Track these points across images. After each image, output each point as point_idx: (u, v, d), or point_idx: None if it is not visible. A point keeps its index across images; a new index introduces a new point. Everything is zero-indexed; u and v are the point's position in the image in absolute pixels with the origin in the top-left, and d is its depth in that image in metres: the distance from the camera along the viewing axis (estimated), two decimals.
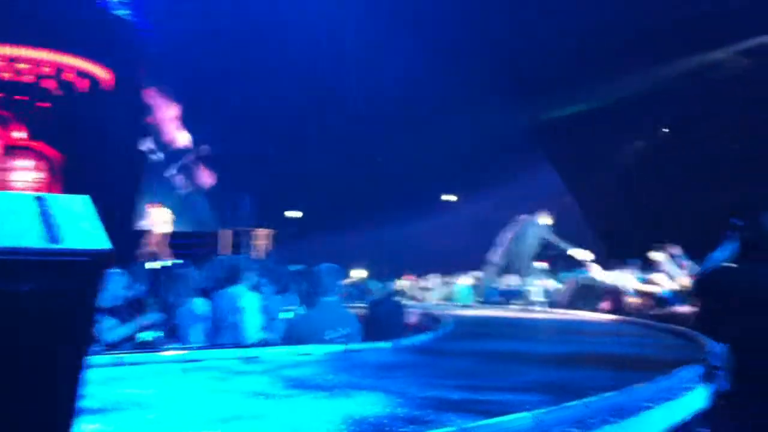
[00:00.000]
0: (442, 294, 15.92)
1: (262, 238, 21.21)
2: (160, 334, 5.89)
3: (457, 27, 25.40)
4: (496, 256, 11.73)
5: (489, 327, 7.73)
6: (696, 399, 3.19)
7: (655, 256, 13.22)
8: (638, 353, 5.03)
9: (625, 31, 23.33)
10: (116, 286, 5.89)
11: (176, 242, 21.65)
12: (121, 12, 28.12)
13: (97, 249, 1.29)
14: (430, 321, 7.70)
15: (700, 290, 4.84)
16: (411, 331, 8.89)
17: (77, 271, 1.29)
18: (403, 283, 18.17)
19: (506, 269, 12.28)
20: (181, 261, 16.78)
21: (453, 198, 30.95)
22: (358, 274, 15.43)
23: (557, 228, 15.77)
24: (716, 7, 21.67)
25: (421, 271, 17.88)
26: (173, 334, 6.08)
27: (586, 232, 23.74)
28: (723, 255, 4.33)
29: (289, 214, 29.19)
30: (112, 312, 5.85)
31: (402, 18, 25.24)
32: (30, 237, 1.26)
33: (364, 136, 26.22)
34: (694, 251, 11.84)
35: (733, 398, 3.70)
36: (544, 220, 11.90)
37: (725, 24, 22.11)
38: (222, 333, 5.62)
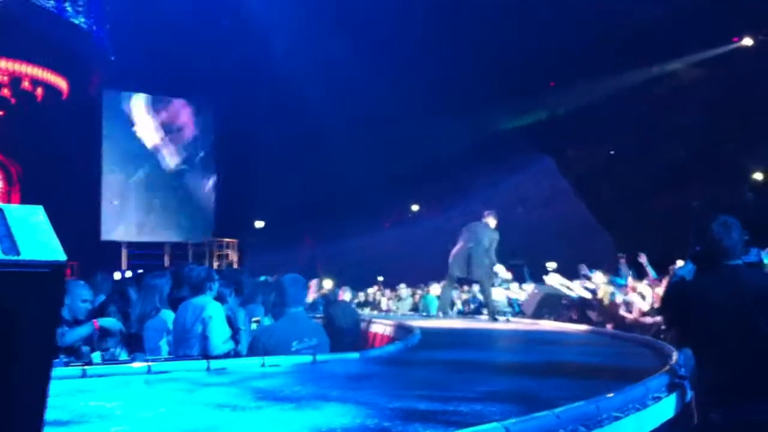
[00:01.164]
0: (412, 304, 15.95)
1: (226, 248, 21.10)
2: (118, 346, 5.81)
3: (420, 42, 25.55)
4: (453, 265, 11.44)
5: (457, 337, 7.73)
6: (665, 409, 3.21)
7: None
8: (604, 363, 5.06)
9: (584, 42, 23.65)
10: (76, 298, 5.79)
11: (133, 252, 21.46)
12: (78, 20, 27.76)
13: (55, 260, 1.26)
14: (399, 331, 7.68)
15: (662, 303, 4.90)
16: (370, 335, 8.93)
17: (37, 283, 1.26)
18: (373, 292, 18.19)
19: (465, 278, 12.02)
20: (141, 271, 16.64)
21: (416, 208, 31.05)
22: (327, 284, 15.40)
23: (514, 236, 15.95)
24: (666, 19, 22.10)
25: (393, 282, 17.92)
26: (137, 345, 5.99)
27: (550, 239, 23.97)
28: (686, 268, 4.37)
29: (256, 224, 29.08)
30: (73, 324, 5.75)
31: (365, 27, 25.31)
32: None
33: (330, 147, 26.19)
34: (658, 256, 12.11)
35: (696, 407, 3.75)
36: (492, 222, 11.64)
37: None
38: (187, 344, 5.55)
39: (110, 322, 5.84)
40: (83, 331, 5.56)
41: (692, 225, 4.29)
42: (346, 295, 13.12)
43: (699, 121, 24.93)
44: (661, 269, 11.45)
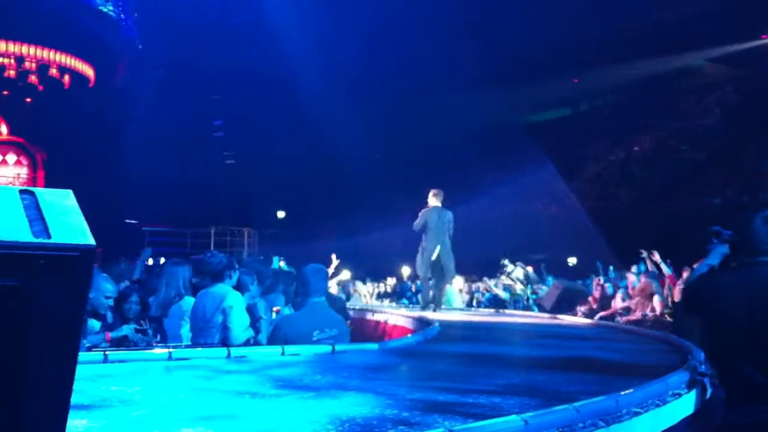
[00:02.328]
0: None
1: (247, 237, 21.18)
2: (147, 332, 5.84)
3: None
4: (428, 260, 10.77)
5: (475, 330, 7.73)
6: (684, 405, 3.20)
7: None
8: (624, 358, 5.04)
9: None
10: (101, 292, 5.81)
11: (154, 239, 21.56)
12: (106, 8, 27.93)
13: (85, 244, 1.27)
14: (417, 324, 7.69)
15: (684, 301, 4.86)
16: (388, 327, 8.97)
17: (67, 266, 1.27)
18: (392, 284, 18.21)
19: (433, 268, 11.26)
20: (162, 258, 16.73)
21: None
22: (345, 275, 15.42)
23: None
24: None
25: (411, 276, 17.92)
26: (160, 332, 6.04)
27: (568, 235, 23.87)
28: (707, 265, 4.33)
29: (278, 214, 29.15)
30: (96, 316, 5.81)
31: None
32: (16, 230, 1.24)
33: (348, 141, 26.17)
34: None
35: (715, 404, 3.72)
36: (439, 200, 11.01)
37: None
38: (208, 333, 5.58)
39: (125, 331, 5.82)
40: (94, 339, 5.59)
41: (733, 213, 4.25)
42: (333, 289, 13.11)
43: (719, 122, 24.72)
44: (679, 268, 11.41)
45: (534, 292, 14.22)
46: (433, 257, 10.59)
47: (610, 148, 28.03)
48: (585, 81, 27.19)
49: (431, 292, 10.94)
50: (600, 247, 20.66)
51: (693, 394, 3.36)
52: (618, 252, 17.99)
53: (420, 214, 10.92)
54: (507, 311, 11.94)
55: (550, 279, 15.07)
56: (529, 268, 15.31)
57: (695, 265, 4.66)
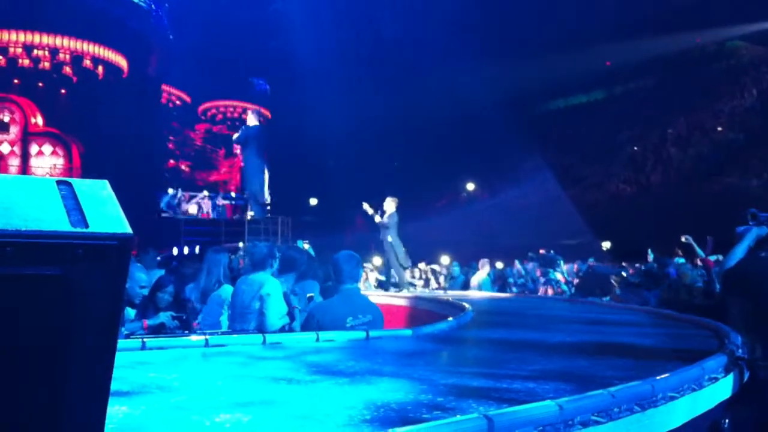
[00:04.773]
0: (463, 283, 15.92)
1: (281, 225, 21.24)
2: (183, 318, 5.92)
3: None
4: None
5: (508, 316, 7.71)
6: (721, 389, 3.17)
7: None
8: (659, 343, 5.00)
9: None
10: (136, 282, 5.89)
11: (188, 228, 21.75)
12: None
13: (123, 233, 1.29)
14: (450, 309, 7.68)
15: (724, 285, 4.80)
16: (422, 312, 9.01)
17: (105, 255, 1.28)
18: (426, 270, 18.21)
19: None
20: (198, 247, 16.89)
21: (471, 187, 30.84)
22: (376, 261, 15.49)
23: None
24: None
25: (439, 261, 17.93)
26: (195, 320, 6.11)
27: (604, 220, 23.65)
28: (745, 247, 4.28)
29: (311, 201, 29.26)
30: (131, 305, 5.89)
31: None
32: (55, 220, 1.26)
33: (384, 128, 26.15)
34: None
35: (754, 389, 3.69)
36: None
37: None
38: (245, 319, 5.64)
39: (162, 318, 5.89)
40: (131, 326, 5.68)
41: None
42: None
43: (756, 102, 24.29)
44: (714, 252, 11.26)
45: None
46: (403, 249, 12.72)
47: (644, 130, 27.71)
48: (618, 63, 26.88)
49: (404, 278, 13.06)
50: (635, 231, 20.46)
51: (730, 378, 3.33)
52: (653, 235, 17.80)
53: (389, 216, 12.77)
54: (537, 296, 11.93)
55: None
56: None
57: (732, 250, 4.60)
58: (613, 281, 12.22)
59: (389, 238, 12.60)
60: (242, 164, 22.86)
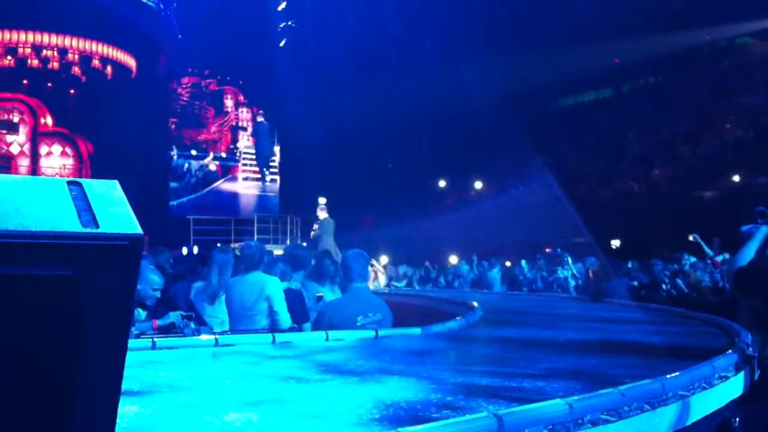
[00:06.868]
0: (472, 282, 15.92)
1: (291, 224, 21.28)
2: (192, 317, 5.92)
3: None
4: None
5: (517, 315, 7.69)
6: (731, 388, 3.16)
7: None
8: (669, 342, 4.98)
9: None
10: (148, 285, 5.88)
11: (200, 228, 21.80)
12: None
13: (133, 233, 1.29)
14: (460, 308, 7.68)
15: (736, 283, 4.77)
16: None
17: (116, 256, 1.28)
18: (432, 268, 18.22)
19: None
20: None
21: (479, 186, 30.82)
22: (383, 260, 15.54)
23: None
24: None
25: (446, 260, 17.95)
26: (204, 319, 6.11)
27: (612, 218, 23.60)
28: (755, 246, 4.27)
29: (320, 200, 29.28)
30: (142, 306, 5.89)
31: None
32: (65, 221, 1.26)
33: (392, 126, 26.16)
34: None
35: (764, 387, 3.67)
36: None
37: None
38: (250, 320, 5.65)
39: (172, 318, 5.89)
40: (143, 326, 5.67)
41: None
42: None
43: (766, 101, 24.17)
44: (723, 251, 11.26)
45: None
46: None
47: (652, 128, 27.61)
48: (627, 60, 26.78)
49: None
50: (644, 228, 20.41)
51: (741, 376, 3.32)
52: (662, 234, 17.76)
53: (329, 223, 13.46)
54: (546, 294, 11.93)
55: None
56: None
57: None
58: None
59: (324, 244, 12.70)
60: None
